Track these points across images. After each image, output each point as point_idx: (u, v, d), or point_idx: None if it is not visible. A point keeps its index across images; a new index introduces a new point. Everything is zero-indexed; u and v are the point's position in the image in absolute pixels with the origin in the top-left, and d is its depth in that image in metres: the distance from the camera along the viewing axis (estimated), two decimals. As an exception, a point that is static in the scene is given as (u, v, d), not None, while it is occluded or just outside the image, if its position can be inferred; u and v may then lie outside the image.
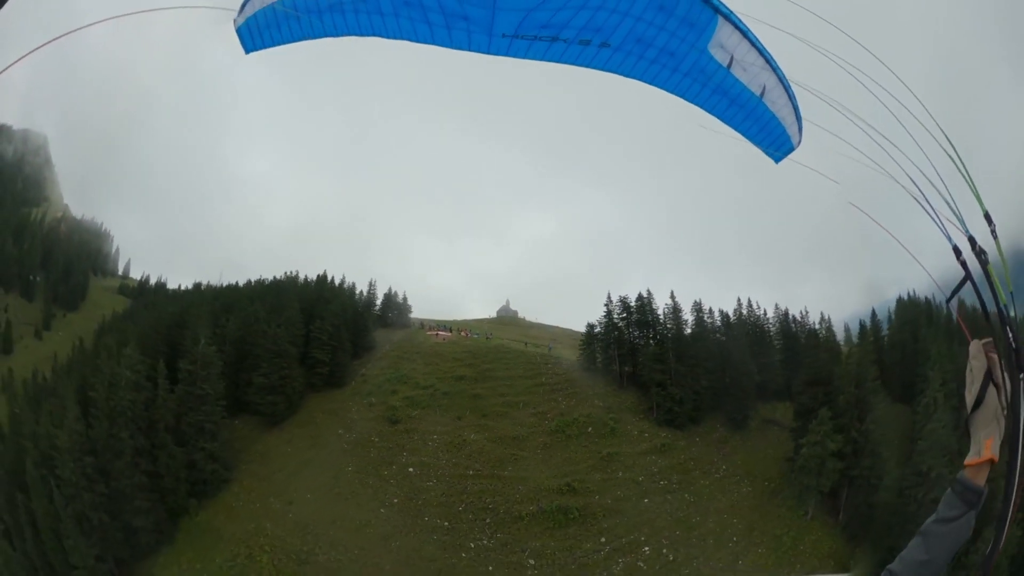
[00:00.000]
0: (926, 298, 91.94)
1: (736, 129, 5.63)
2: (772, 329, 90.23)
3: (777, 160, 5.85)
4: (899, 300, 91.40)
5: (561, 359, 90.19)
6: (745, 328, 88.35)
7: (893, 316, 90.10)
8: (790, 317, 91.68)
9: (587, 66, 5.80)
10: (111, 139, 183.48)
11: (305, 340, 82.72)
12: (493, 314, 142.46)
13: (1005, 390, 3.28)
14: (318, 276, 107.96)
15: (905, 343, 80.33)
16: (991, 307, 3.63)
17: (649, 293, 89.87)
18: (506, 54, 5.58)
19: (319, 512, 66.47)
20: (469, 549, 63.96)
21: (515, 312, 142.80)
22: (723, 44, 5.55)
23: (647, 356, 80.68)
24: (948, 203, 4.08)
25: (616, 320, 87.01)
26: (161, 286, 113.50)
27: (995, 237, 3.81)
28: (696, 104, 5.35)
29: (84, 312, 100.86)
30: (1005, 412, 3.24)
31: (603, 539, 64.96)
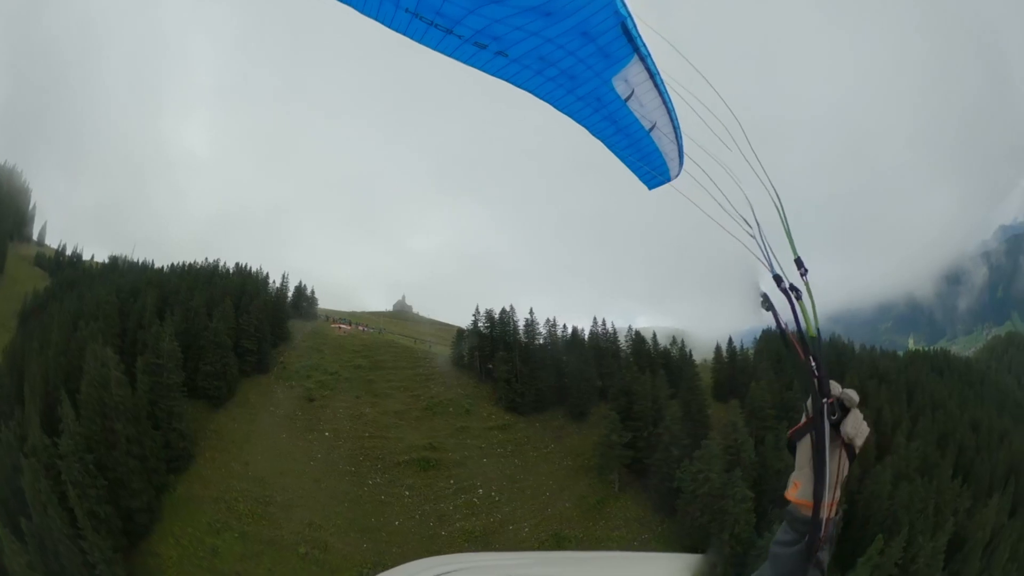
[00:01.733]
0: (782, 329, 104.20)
1: (617, 155, 5.82)
2: (624, 345, 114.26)
3: (651, 187, 6.11)
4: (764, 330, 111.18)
5: (437, 355, 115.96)
6: (595, 342, 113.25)
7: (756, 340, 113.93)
8: (641, 337, 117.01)
9: (479, 68, 5.70)
10: (47, 87, 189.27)
11: (236, 332, 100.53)
12: (390, 307, 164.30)
13: (813, 435, 3.70)
14: (237, 265, 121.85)
15: (758, 367, 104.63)
16: (809, 332, 4.22)
17: (512, 308, 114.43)
18: (404, 32, 5.46)
19: (269, 468, 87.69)
20: (368, 484, 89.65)
21: (410, 307, 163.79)
22: (627, 79, 5.43)
23: (499, 358, 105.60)
24: (761, 250, 4.59)
25: (480, 327, 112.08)
26: (77, 258, 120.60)
27: (804, 279, 4.35)
28: (583, 126, 5.52)
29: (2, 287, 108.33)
30: (812, 457, 3.64)
31: (452, 481, 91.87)
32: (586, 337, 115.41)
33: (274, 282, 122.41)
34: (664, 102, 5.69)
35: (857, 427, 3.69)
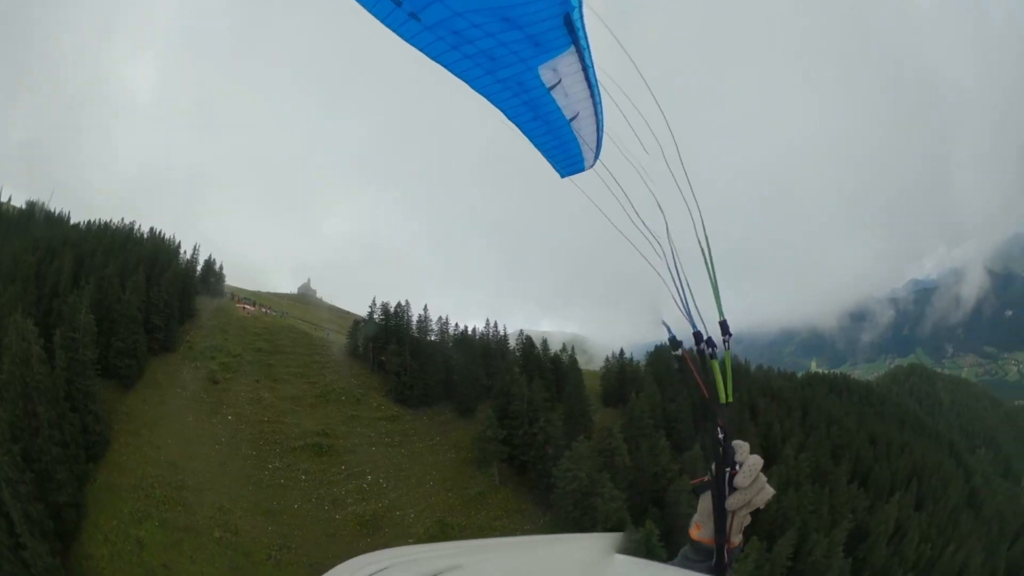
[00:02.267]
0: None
1: (532, 141, 5.35)
2: (514, 347, 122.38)
3: (563, 175, 5.64)
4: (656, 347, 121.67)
5: (334, 343, 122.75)
6: (486, 342, 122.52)
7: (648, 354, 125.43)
8: (531, 341, 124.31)
9: (394, 30, 4.67)
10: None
11: (147, 306, 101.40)
12: (295, 289, 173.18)
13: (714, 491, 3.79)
14: (152, 231, 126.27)
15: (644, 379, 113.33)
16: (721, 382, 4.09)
17: (407, 303, 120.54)
18: None
19: (179, 452, 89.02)
20: (269, 468, 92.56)
21: (314, 291, 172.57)
22: (557, 69, 4.87)
23: (391, 351, 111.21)
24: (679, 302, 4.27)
25: (376, 319, 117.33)
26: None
27: (727, 344, 4.13)
28: (499, 108, 5.02)
29: None
30: (714, 518, 3.79)
31: (343, 467, 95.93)
32: (477, 337, 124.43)
33: (185, 252, 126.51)
34: (592, 94, 5.28)
35: (759, 491, 3.82)
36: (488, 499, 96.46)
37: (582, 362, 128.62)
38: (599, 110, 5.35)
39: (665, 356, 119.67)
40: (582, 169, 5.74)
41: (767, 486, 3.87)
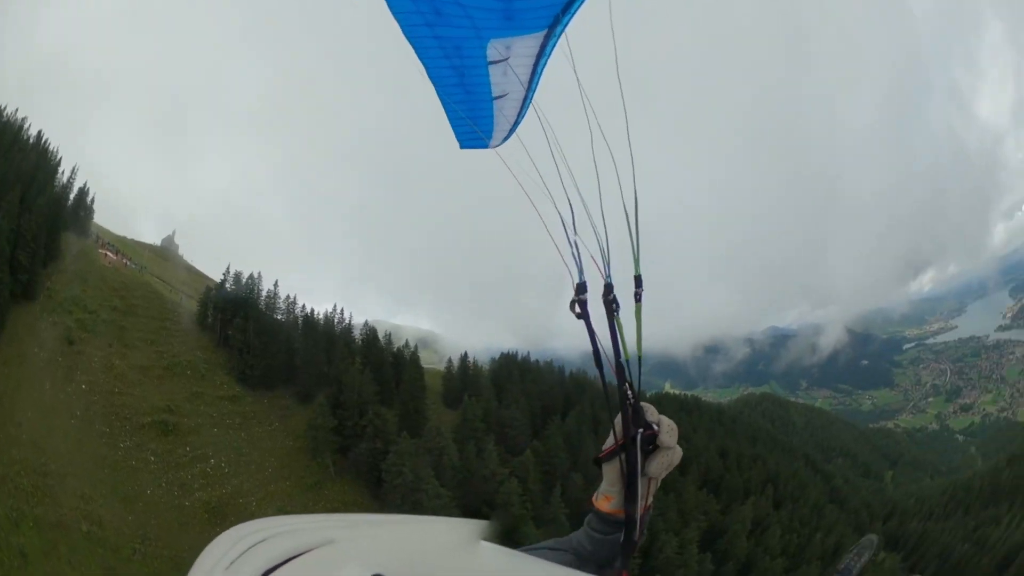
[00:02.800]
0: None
1: (445, 104, 4.98)
2: (359, 337, 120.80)
3: (462, 147, 5.38)
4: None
5: (186, 310, 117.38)
6: (330, 328, 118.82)
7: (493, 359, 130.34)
8: (374, 332, 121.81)
9: None
10: None
11: (15, 237, 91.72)
12: (159, 241, 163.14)
13: (627, 454, 3.47)
14: (40, 136, 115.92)
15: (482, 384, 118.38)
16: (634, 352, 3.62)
17: (259, 276, 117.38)
18: None
19: (39, 427, 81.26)
20: (121, 448, 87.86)
21: (176, 247, 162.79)
22: (511, 47, 4.68)
23: (236, 326, 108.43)
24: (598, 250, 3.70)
25: (228, 288, 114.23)
26: None
27: (638, 299, 3.71)
28: (422, 63, 4.64)
29: None
30: (625, 473, 3.49)
31: (188, 449, 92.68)
32: (323, 322, 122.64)
33: (62, 173, 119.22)
34: (532, 81, 5.12)
35: (675, 452, 3.59)
36: (325, 490, 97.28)
37: (432, 361, 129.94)
38: (530, 97, 5.23)
39: (507, 364, 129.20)
40: (485, 147, 5.48)
41: (677, 446, 3.62)
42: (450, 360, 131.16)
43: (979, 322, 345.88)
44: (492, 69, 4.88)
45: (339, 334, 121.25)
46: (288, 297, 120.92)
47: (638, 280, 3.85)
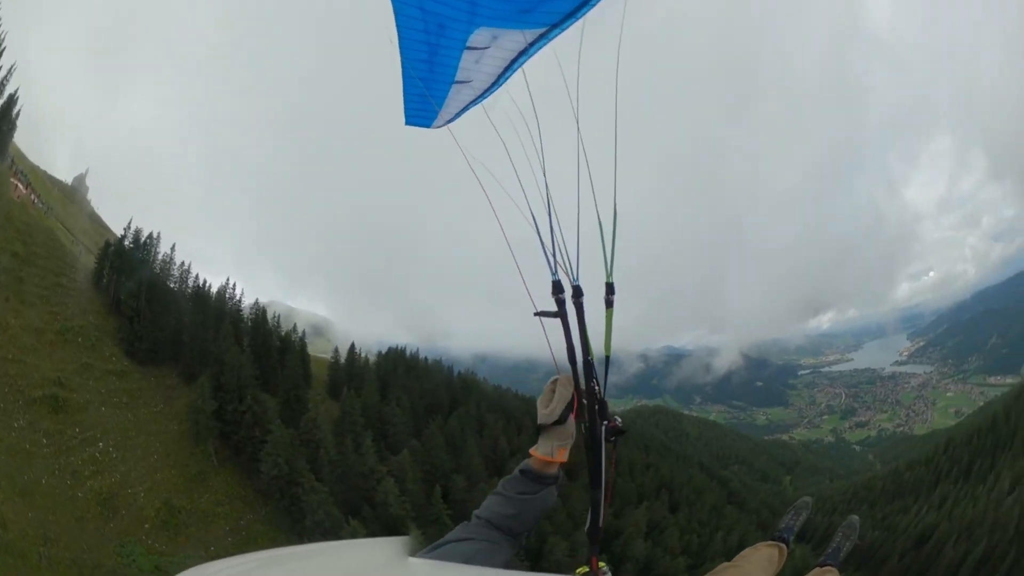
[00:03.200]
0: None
1: (405, 76, 4.92)
2: (247, 316, 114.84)
3: (407, 121, 5.29)
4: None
5: (83, 266, 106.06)
6: (221, 303, 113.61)
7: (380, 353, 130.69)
8: (263, 313, 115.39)
9: None
10: None
11: None
12: (70, 179, 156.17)
13: (584, 426, 4.14)
14: None
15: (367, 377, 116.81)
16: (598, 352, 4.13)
17: (157, 236, 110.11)
18: None
19: None
20: (15, 428, 75.49)
21: (87, 189, 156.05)
22: (497, 37, 4.72)
23: (128, 291, 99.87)
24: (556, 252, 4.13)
25: (127, 246, 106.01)
26: None
27: (610, 305, 4.15)
28: (399, 35, 4.53)
29: None
30: (583, 440, 4.15)
31: (77, 429, 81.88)
32: (214, 296, 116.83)
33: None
34: (502, 77, 5.21)
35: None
36: (209, 481, 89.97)
37: (326, 350, 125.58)
38: (492, 90, 5.36)
39: (393, 358, 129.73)
40: (427, 126, 5.59)
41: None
42: (336, 350, 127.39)
43: (875, 357, 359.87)
44: (467, 54, 4.94)
45: (228, 311, 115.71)
46: (183, 264, 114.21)
47: (610, 287, 4.34)
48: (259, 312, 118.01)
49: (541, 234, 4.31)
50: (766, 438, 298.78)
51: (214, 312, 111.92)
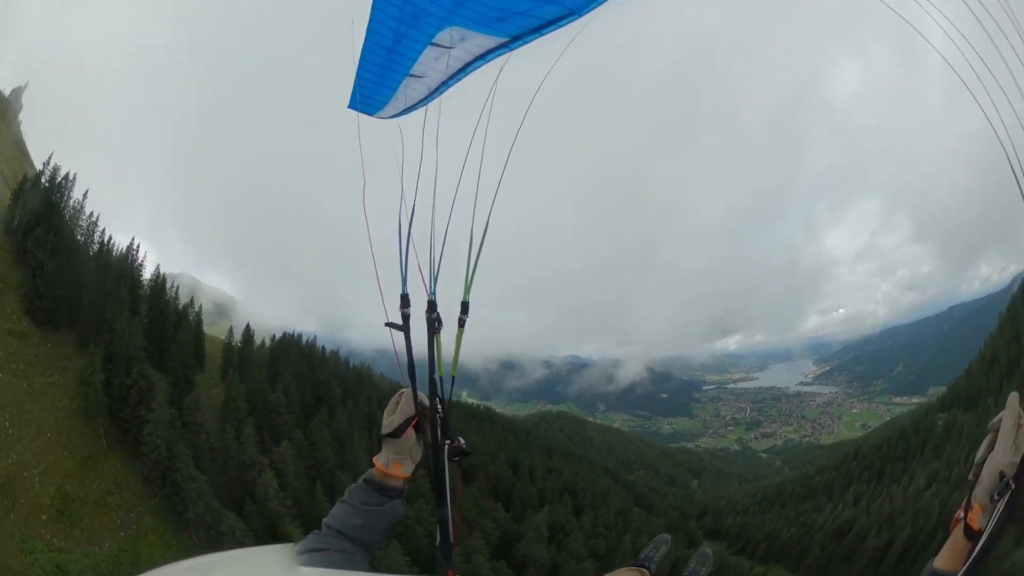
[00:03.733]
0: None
1: (363, 59, 5.08)
2: (147, 284, 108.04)
3: (351, 104, 5.39)
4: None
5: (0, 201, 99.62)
6: (123, 266, 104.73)
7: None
8: (163, 281, 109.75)
9: None
10: None
11: None
12: (7, 90, 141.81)
13: (426, 440, 4.33)
14: None
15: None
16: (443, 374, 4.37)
17: (72, 177, 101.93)
18: None
19: None
20: None
21: (20, 108, 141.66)
22: (465, 39, 4.98)
23: (35, 238, 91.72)
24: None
25: (43, 185, 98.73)
26: None
27: (461, 325, 4.36)
28: (371, 18, 4.74)
29: None
30: (422, 452, 4.38)
31: None
32: (116, 255, 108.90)
33: None
34: (455, 78, 5.41)
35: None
36: (99, 465, 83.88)
37: (225, 330, 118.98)
38: (442, 90, 5.57)
39: (288, 343, 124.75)
40: (371, 114, 5.78)
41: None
42: (231, 330, 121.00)
43: (780, 378, 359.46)
44: (429, 50, 5.16)
45: (129, 275, 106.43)
46: (91, 216, 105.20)
47: (464, 307, 4.52)
48: (159, 280, 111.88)
49: (402, 246, 4.60)
50: (671, 445, 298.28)
51: (115, 274, 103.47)
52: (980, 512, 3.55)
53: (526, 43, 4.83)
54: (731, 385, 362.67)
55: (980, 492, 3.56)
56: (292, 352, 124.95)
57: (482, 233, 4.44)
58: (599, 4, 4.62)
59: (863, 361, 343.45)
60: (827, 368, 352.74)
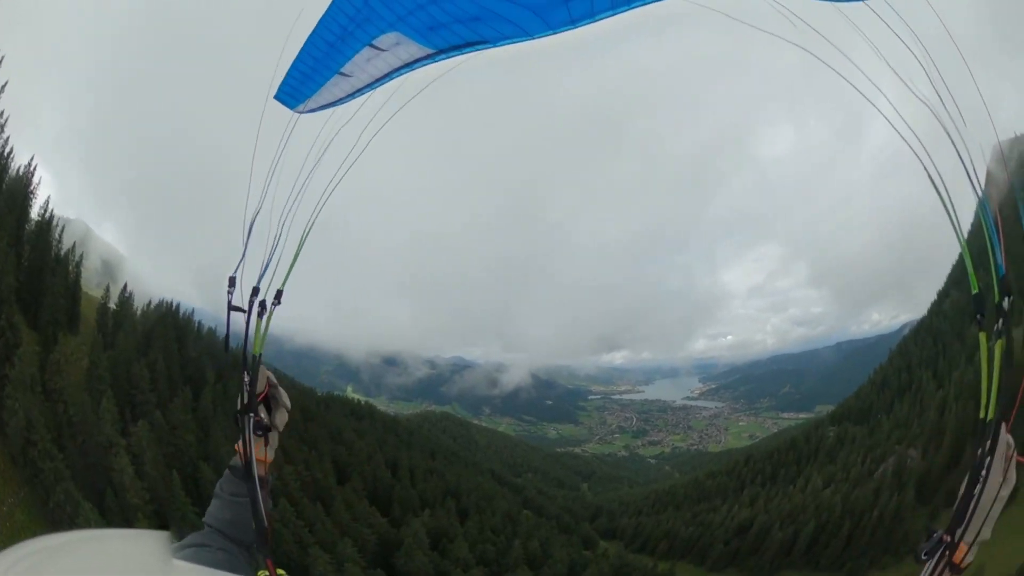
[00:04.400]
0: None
1: (303, 50, 5.26)
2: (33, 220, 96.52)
3: (278, 95, 5.57)
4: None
5: None
6: (15, 185, 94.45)
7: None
8: (51, 224, 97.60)
9: None
10: None
11: None
12: None
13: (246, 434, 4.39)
14: None
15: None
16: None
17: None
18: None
19: None
20: None
21: None
22: (399, 44, 5.07)
23: None
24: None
25: None
26: None
27: (264, 308, 4.64)
28: (328, 11, 4.84)
29: None
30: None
31: None
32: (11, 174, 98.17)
33: None
34: (377, 83, 5.54)
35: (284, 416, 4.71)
36: None
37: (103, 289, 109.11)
38: (364, 91, 5.73)
39: (163, 314, 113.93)
40: (291, 107, 5.84)
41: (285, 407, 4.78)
42: (108, 289, 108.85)
43: (667, 392, 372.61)
44: (366, 50, 5.29)
45: (19, 201, 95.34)
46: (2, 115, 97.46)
47: (279, 294, 4.89)
48: (46, 217, 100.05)
49: (245, 236, 4.89)
50: (558, 450, 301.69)
51: (6, 196, 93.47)
52: (965, 551, 3.73)
53: (449, 57, 5.04)
54: (617, 396, 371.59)
55: (970, 532, 3.70)
56: (168, 323, 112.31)
57: (304, 231, 4.82)
58: (517, 41, 4.80)
59: (750, 381, 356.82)
60: (713, 386, 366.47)
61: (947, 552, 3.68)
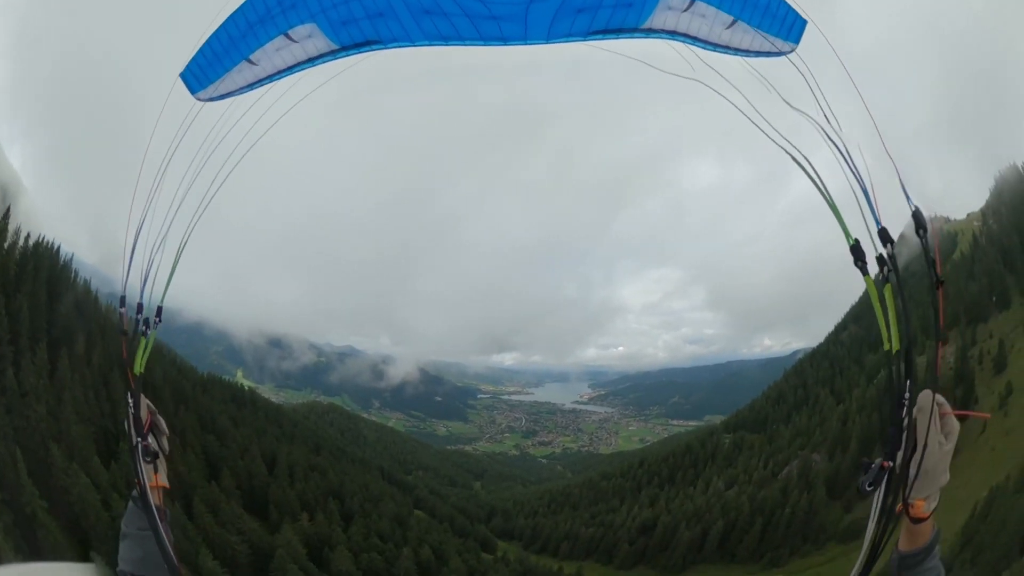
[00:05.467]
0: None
1: (218, 34, 5.38)
2: None
3: (183, 72, 5.60)
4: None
5: None
6: None
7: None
8: None
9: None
10: None
11: None
12: None
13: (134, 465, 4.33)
14: None
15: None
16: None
17: None
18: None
19: None
20: None
21: None
22: (311, 36, 5.37)
23: None
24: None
25: None
26: None
27: (149, 327, 4.67)
28: None
29: None
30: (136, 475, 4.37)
31: None
32: None
33: None
34: (284, 72, 5.66)
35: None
36: None
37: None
38: (265, 82, 5.86)
39: (41, 254, 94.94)
40: (193, 92, 5.81)
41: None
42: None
43: (556, 395, 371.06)
44: (278, 39, 5.47)
45: None
46: None
47: (159, 310, 4.86)
48: None
49: (126, 254, 4.84)
50: (449, 448, 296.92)
51: None
52: (923, 504, 4.09)
53: (350, 55, 5.41)
54: (506, 396, 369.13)
55: (916, 490, 4.03)
56: (42, 265, 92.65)
57: (182, 240, 4.80)
58: (414, 45, 5.34)
59: (640, 390, 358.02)
60: (603, 392, 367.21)
61: (891, 478, 3.98)
